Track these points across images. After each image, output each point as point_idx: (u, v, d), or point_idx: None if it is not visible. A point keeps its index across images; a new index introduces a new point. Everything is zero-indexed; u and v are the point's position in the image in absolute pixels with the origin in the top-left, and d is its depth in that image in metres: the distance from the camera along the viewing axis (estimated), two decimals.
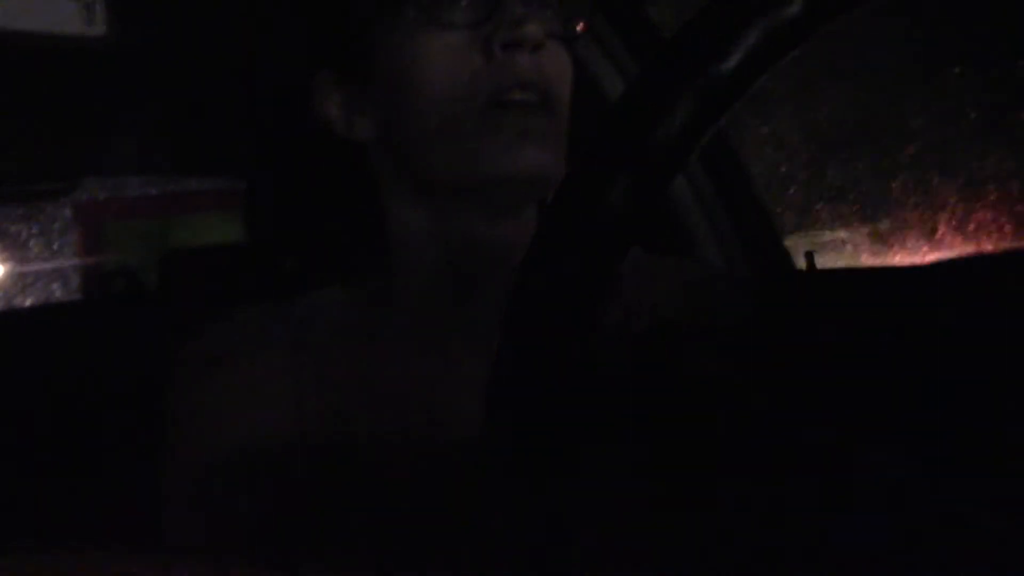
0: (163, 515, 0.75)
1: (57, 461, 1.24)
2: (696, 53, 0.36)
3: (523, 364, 0.39)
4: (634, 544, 0.80)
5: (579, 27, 0.74)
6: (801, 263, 1.51)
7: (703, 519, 0.47)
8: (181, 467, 0.74)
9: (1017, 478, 0.42)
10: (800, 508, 0.44)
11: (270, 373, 0.76)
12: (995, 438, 0.44)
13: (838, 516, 0.43)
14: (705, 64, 0.36)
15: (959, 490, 0.40)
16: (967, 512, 0.40)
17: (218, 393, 0.75)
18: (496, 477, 0.41)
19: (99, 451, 1.20)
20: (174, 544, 0.74)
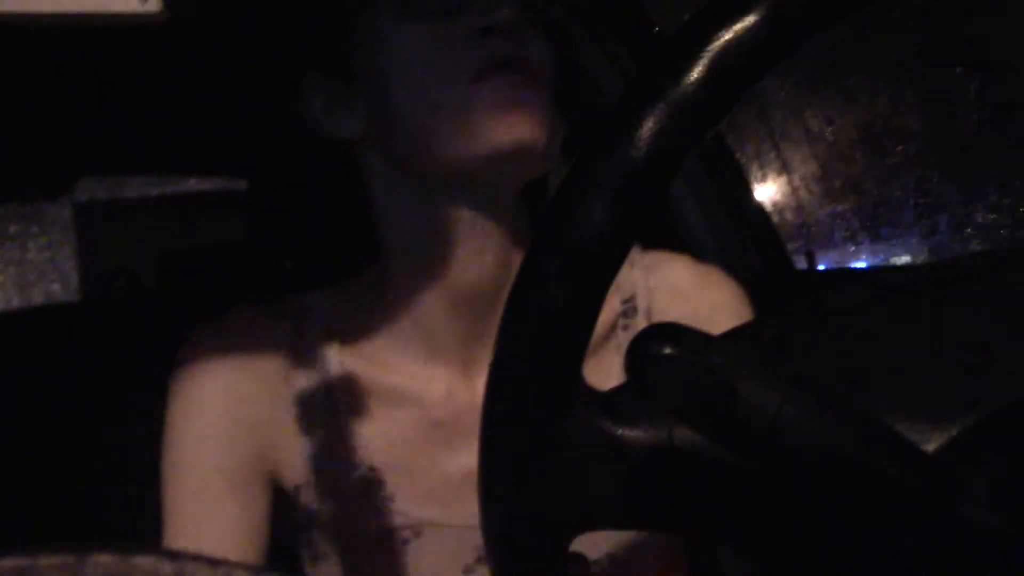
0: (163, 515, 0.75)
1: (57, 461, 1.24)
2: (672, 73, 0.36)
3: (519, 383, 0.39)
4: (632, 547, 0.80)
5: (557, 12, 0.74)
6: (801, 263, 1.51)
7: (701, 521, 0.47)
8: (180, 467, 0.75)
9: (1020, 478, 0.42)
10: (801, 511, 0.44)
11: (268, 373, 0.76)
12: (996, 436, 0.44)
13: (840, 520, 0.43)
14: (681, 84, 0.36)
15: (962, 492, 0.40)
16: (969, 513, 0.40)
17: (217, 394, 0.75)
18: (493, 478, 0.41)
19: (99, 451, 1.20)
20: (173, 545, 0.74)
